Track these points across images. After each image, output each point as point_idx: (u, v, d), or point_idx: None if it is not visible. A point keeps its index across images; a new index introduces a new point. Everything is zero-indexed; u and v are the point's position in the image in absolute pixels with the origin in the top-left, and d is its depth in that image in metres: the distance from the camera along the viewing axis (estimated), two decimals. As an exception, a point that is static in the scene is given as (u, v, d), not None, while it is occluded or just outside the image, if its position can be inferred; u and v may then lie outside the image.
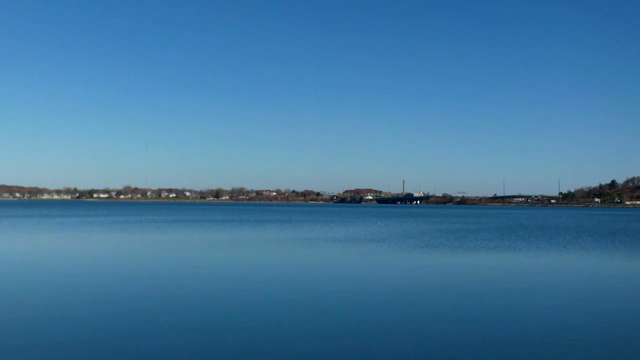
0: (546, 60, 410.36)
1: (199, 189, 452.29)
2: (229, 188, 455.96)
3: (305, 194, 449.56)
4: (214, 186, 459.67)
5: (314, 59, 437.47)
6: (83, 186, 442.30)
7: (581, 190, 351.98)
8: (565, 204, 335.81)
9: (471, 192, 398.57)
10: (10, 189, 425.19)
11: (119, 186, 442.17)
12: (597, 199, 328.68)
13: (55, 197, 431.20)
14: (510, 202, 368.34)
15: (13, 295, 19.45)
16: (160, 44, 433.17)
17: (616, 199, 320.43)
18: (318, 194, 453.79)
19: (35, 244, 41.25)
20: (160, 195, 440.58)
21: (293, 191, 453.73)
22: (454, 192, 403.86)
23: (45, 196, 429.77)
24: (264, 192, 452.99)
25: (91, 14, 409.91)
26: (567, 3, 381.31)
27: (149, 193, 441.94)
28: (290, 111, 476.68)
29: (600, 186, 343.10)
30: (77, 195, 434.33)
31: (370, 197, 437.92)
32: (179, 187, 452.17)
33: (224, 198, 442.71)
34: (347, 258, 33.05)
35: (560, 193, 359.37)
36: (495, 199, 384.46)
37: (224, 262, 30.46)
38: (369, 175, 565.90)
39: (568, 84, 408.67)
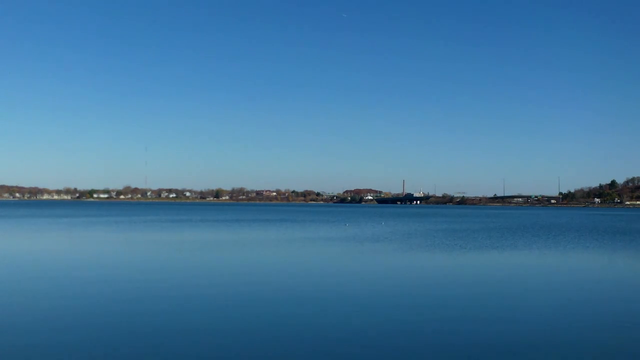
0: (546, 60, 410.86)
1: (199, 189, 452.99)
2: (229, 188, 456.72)
3: (305, 194, 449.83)
4: (214, 186, 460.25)
5: (314, 59, 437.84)
6: (83, 186, 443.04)
7: (581, 190, 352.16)
8: (565, 204, 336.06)
9: (471, 192, 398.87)
10: (10, 189, 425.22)
11: (119, 186, 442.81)
12: (597, 199, 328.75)
13: (55, 197, 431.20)
14: (510, 202, 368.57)
15: (26, 294, 19.92)
16: (160, 44, 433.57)
17: (616, 199, 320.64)
18: (318, 194, 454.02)
19: (50, 245, 41.66)
20: (160, 196, 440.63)
21: (293, 191, 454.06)
22: (454, 192, 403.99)
23: (45, 196, 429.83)
24: (264, 192, 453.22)
25: (91, 14, 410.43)
26: (567, 3, 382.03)
27: (149, 193, 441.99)
28: (290, 111, 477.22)
29: (600, 186, 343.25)
30: (77, 195, 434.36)
31: (370, 197, 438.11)
32: (179, 187, 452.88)
33: (224, 198, 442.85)
34: (356, 257, 33.54)
35: (560, 193, 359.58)
36: (495, 199, 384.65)
37: (234, 262, 30.93)
38: (369, 175, 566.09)
39: (568, 84, 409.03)
